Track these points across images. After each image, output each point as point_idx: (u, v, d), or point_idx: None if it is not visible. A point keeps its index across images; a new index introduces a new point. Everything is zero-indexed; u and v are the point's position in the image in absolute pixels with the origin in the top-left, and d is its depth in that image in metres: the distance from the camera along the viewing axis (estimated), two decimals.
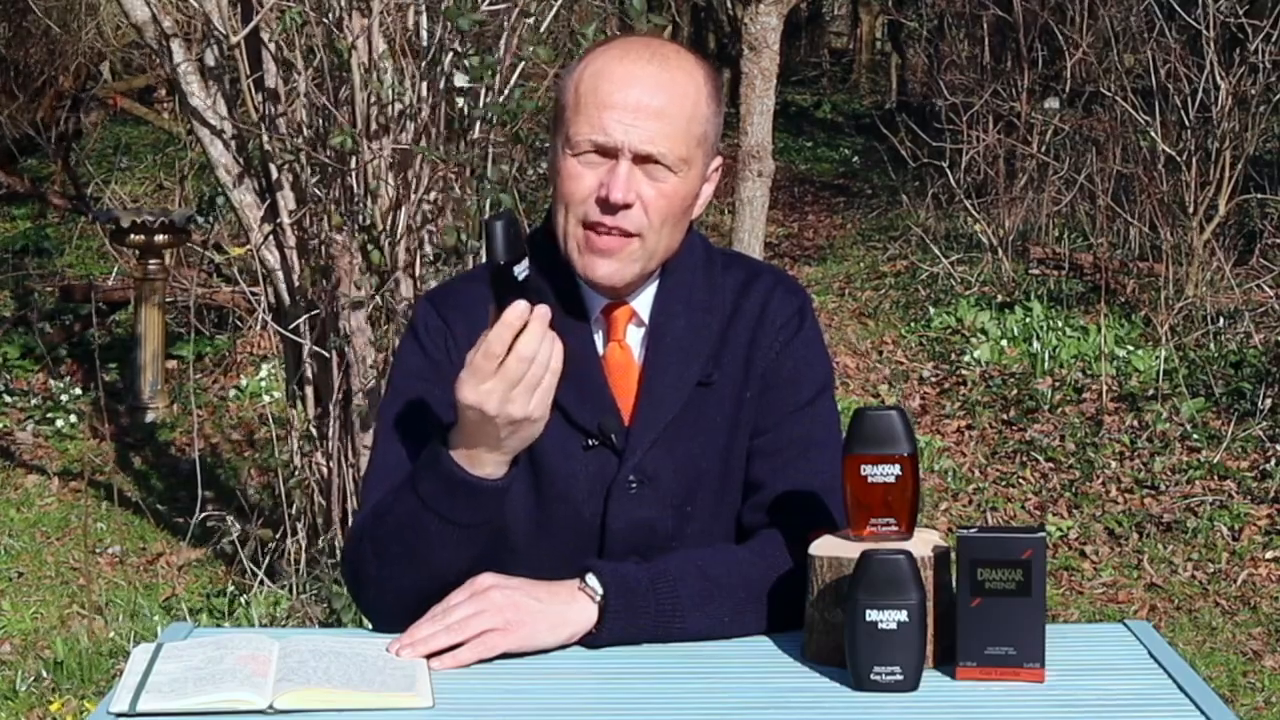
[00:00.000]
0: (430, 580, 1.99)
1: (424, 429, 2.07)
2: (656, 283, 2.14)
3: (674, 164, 2.05)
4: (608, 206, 2.03)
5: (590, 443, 2.10)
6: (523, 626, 1.92)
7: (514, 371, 1.88)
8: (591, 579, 1.97)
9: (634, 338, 2.15)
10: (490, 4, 4.70)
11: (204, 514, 5.44)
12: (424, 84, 4.72)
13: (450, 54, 4.74)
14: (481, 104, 4.70)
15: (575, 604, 1.96)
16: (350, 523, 4.77)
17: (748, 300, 2.16)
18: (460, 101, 4.71)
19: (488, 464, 1.96)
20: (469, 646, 1.90)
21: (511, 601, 1.93)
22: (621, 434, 2.10)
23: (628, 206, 2.03)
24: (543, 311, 1.89)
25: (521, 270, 1.88)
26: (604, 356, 2.13)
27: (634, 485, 2.10)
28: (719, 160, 2.16)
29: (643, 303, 2.14)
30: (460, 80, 4.62)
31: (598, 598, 1.96)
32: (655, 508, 2.11)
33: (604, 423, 2.10)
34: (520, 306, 1.87)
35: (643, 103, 2.03)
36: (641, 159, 2.03)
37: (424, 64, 4.74)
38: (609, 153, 2.03)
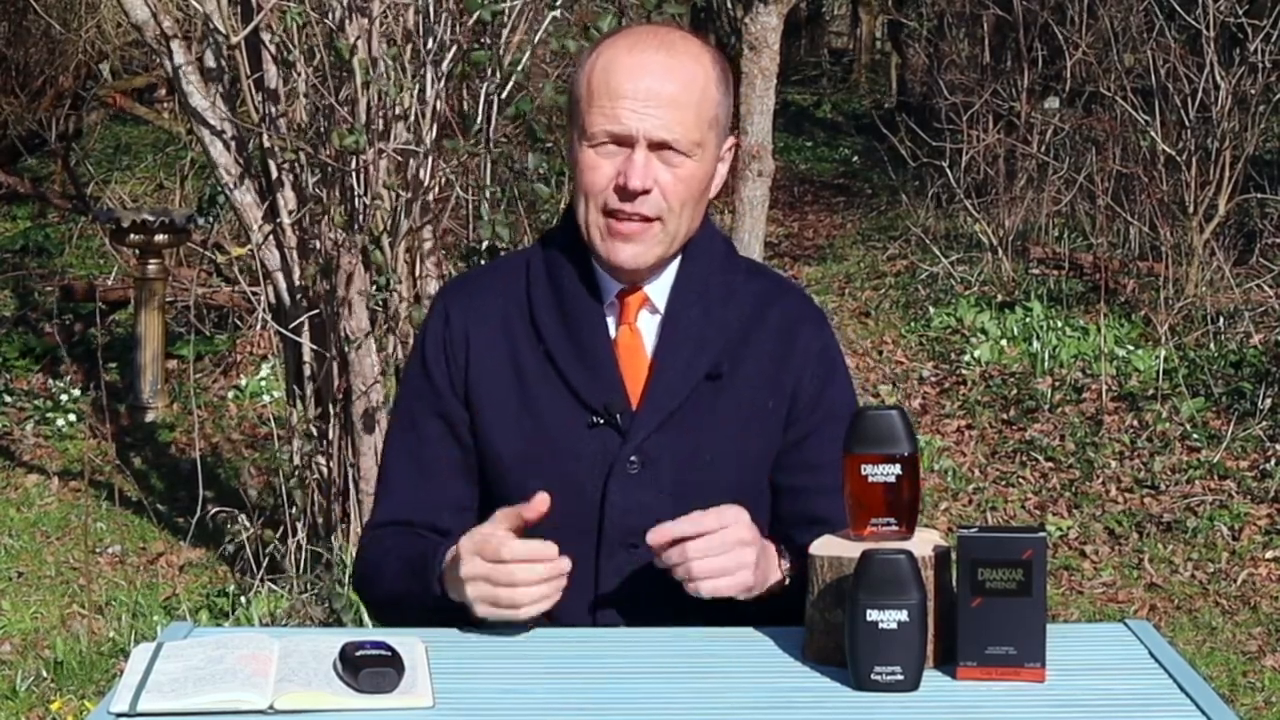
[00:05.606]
0: (411, 602, 2.14)
1: (420, 442, 2.21)
2: (674, 271, 2.20)
3: (688, 148, 2.11)
4: (626, 194, 2.10)
5: (595, 420, 2.14)
6: (758, 567, 2.03)
7: (498, 573, 1.98)
8: (784, 564, 2.09)
9: (646, 324, 2.19)
10: None
11: (211, 512, 5.43)
12: (426, 83, 4.72)
13: (452, 51, 4.74)
14: (501, 100, 4.73)
15: (774, 569, 2.09)
16: (361, 521, 4.81)
17: (773, 310, 2.22)
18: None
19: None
20: (728, 556, 2.00)
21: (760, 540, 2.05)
22: (627, 415, 2.14)
23: (646, 192, 2.10)
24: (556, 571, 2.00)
25: None
26: (615, 339, 2.17)
27: (635, 466, 2.14)
28: (732, 140, 2.23)
29: (658, 290, 2.20)
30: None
31: (788, 582, 2.08)
32: (655, 491, 2.14)
33: (610, 402, 2.14)
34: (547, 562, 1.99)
35: (654, 90, 2.09)
36: (657, 145, 2.10)
37: (425, 63, 4.73)
38: (625, 141, 2.10)
